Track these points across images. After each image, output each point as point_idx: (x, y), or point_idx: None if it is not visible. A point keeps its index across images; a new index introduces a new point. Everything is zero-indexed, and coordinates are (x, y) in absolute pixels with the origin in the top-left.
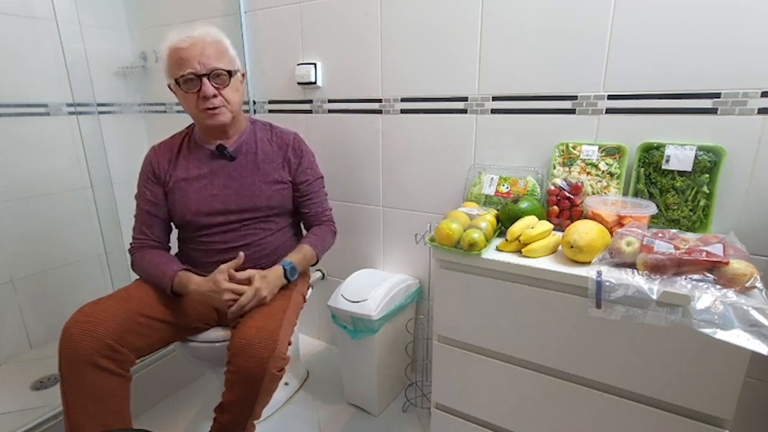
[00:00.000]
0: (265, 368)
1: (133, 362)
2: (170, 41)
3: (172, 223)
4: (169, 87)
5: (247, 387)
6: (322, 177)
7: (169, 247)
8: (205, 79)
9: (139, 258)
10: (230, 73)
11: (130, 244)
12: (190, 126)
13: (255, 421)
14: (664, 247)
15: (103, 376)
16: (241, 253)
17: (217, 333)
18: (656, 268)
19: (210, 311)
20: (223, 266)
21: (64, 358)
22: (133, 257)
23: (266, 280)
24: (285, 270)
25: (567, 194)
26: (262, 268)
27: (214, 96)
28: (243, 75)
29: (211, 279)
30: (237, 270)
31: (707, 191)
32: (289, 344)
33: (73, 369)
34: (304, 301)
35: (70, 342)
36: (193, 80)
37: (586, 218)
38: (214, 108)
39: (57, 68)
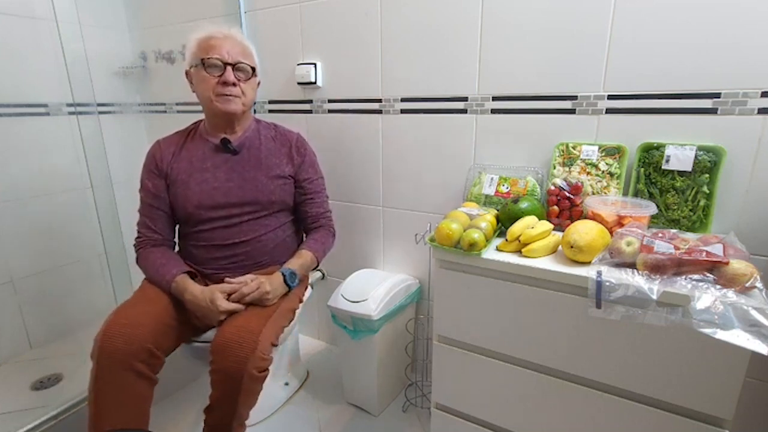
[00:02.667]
0: (244, 368)
1: (162, 365)
2: (204, 32)
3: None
4: (186, 74)
5: (228, 387)
6: (324, 178)
7: (174, 242)
8: (229, 68)
9: (143, 257)
10: (253, 70)
11: (135, 239)
12: (196, 122)
13: (246, 422)
14: (664, 247)
15: (136, 380)
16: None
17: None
18: (656, 268)
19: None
20: (222, 287)
21: (103, 358)
22: (137, 254)
23: (270, 280)
24: (284, 276)
25: (567, 194)
26: (263, 266)
27: (234, 84)
28: (258, 83)
29: (208, 296)
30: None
31: (707, 191)
32: (274, 345)
33: (110, 370)
34: (300, 301)
35: (111, 343)
36: (218, 66)
37: (586, 218)
38: (230, 95)
39: (57, 68)
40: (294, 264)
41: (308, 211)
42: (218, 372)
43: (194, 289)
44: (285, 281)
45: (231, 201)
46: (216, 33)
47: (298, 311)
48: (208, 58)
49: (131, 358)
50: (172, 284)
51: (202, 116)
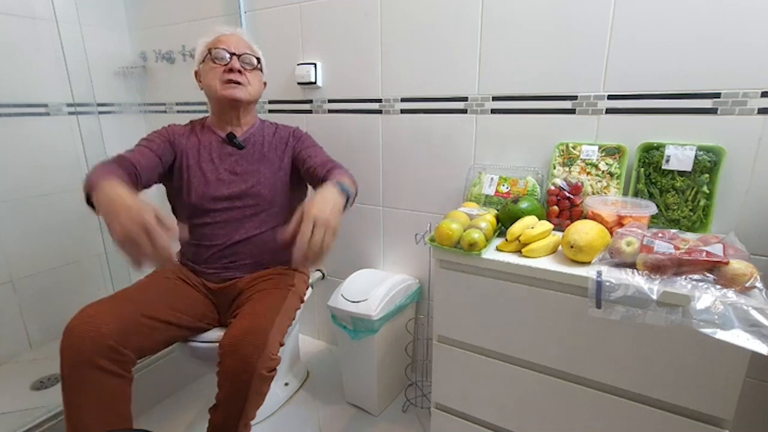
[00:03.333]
0: (254, 369)
1: (134, 363)
2: (214, 32)
3: (172, 211)
4: (195, 74)
5: (237, 387)
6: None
7: (140, 188)
8: (234, 57)
9: (100, 163)
10: (258, 60)
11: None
12: (203, 117)
13: (251, 422)
14: (664, 247)
15: (104, 377)
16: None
17: (217, 333)
18: (656, 268)
19: (211, 311)
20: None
21: (66, 359)
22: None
23: (319, 200)
24: (339, 185)
25: (567, 194)
26: (264, 266)
27: (240, 72)
28: (264, 83)
29: (139, 213)
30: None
31: (707, 191)
32: (281, 345)
33: (74, 370)
34: (302, 301)
35: (71, 343)
36: (224, 57)
37: (586, 218)
38: (236, 82)
39: (57, 68)
40: (339, 178)
41: (315, 164)
42: (226, 372)
43: (119, 190)
44: (342, 189)
45: (234, 193)
46: (224, 31)
47: (299, 311)
48: (215, 49)
49: (94, 356)
50: (97, 185)
51: (204, 115)
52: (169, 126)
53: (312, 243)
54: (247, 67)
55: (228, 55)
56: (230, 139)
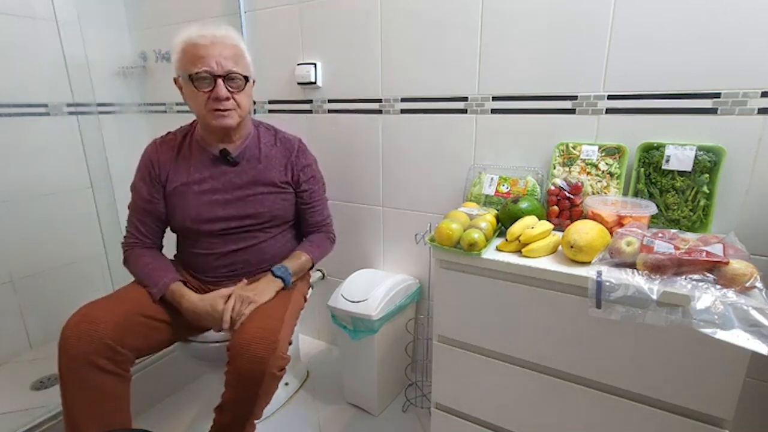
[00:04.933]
0: (265, 368)
1: (132, 362)
2: (189, 34)
3: (168, 226)
4: (175, 80)
5: (247, 387)
6: (324, 183)
7: (162, 245)
8: (220, 81)
9: (133, 259)
10: (246, 79)
11: (124, 238)
12: (192, 123)
13: (255, 421)
14: (664, 247)
15: (101, 376)
16: (245, 280)
17: (217, 333)
18: (656, 268)
19: None
20: (224, 291)
21: (63, 358)
22: (126, 255)
23: (250, 287)
24: (273, 272)
25: (567, 194)
26: (263, 272)
27: (227, 99)
28: (253, 81)
29: (210, 302)
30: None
31: (707, 191)
32: (289, 344)
33: (72, 369)
34: (305, 301)
35: (68, 343)
36: (207, 79)
37: (586, 218)
38: (224, 110)
39: (57, 68)
40: (287, 263)
41: (308, 220)
42: (237, 372)
43: (192, 297)
44: (275, 275)
45: (231, 214)
46: (202, 38)
47: (302, 311)
48: (197, 73)
49: (91, 355)
50: (166, 291)
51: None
52: (149, 151)
53: (227, 307)
54: (234, 88)
55: (211, 78)
56: (224, 156)
